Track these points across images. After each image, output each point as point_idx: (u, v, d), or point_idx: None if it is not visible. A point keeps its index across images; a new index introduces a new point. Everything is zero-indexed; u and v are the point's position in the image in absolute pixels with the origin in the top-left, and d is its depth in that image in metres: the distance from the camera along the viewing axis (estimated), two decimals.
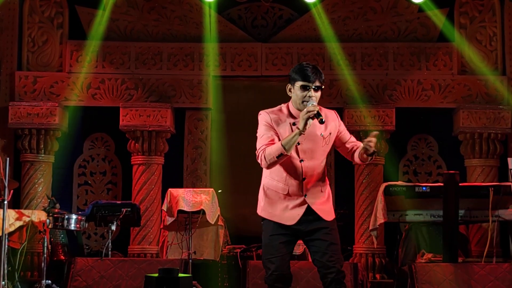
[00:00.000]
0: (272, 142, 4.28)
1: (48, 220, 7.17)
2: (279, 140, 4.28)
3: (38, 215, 7.65)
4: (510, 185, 6.62)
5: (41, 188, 9.07)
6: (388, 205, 7.15)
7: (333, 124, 4.45)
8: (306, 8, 9.35)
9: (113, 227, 7.48)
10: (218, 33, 9.39)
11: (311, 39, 9.43)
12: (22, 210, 7.84)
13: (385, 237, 8.84)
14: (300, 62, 4.41)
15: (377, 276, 8.90)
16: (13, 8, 9.40)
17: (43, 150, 9.17)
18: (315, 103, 4.25)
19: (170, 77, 9.40)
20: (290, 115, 4.37)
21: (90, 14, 9.42)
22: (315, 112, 4.14)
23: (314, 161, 4.37)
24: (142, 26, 9.55)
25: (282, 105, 4.45)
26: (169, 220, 7.53)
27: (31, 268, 8.70)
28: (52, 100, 9.22)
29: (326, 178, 4.53)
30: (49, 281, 7.18)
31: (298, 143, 4.29)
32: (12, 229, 7.42)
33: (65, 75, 9.35)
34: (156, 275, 5.45)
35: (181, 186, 9.05)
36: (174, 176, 9.33)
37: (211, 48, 9.36)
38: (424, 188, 7.27)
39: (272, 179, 4.44)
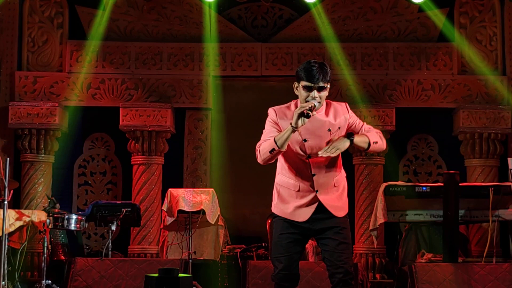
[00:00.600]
0: (269, 139, 4.27)
1: (48, 220, 7.17)
2: None
3: (38, 215, 7.65)
4: (510, 185, 6.61)
5: (41, 188, 9.07)
6: (388, 205, 7.15)
7: (343, 118, 4.39)
8: (306, 8, 9.35)
9: (113, 227, 7.48)
10: (218, 33, 9.39)
11: (311, 39, 9.43)
12: (22, 210, 7.84)
13: (385, 237, 8.84)
14: (309, 60, 4.36)
15: (377, 276, 8.90)
16: (13, 8, 9.40)
17: (43, 150, 9.17)
18: (318, 104, 4.23)
19: (170, 77, 9.41)
20: None
21: (90, 14, 9.42)
22: (307, 108, 4.11)
23: (323, 157, 4.30)
24: (142, 26, 9.55)
25: (292, 101, 4.42)
26: (169, 220, 7.54)
27: (31, 268, 8.70)
28: (52, 100, 9.22)
29: (341, 171, 4.47)
30: (49, 281, 7.18)
31: (305, 140, 4.28)
32: (12, 229, 7.42)
33: (65, 75, 9.35)
34: (156, 275, 5.45)
35: (181, 186, 9.05)
36: (174, 176, 9.33)
37: (211, 48, 9.36)
38: (424, 188, 7.26)
39: (284, 175, 4.41)
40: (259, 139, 4.43)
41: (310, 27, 9.45)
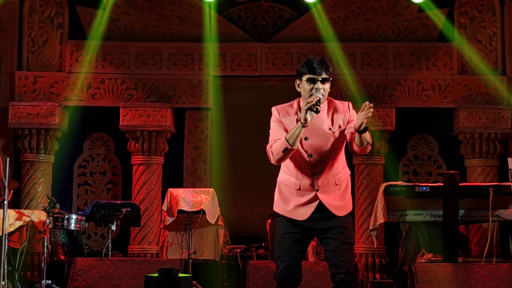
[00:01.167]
0: (280, 138, 4.26)
1: (48, 220, 7.17)
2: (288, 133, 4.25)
3: (38, 215, 7.66)
4: (510, 185, 6.61)
5: (41, 188, 9.06)
6: (388, 205, 7.15)
7: (343, 116, 4.39)
8: (306, 8, 9.35)
9: (113, 227, 7.48)
10: (218, 33, 9.39)
11: (311, 39, 9.43)
12: (22, 210, 7.84)
13: (385, 237, 8.84)
14: (307, 57, 4.38)
15: (377, 276, 8.90)
16: (13, 8, 9.40)
17: (43, 150, 9.17)
18: (322, 97, 4.22)
19: (170, 77, 9.40)
20: (300, 109, 4.31)
21: (90, 14, 9.42)
22: (314, 102, 4.11)
23: (324, 156, 4.32)
24: (142, 26, 9.55)
25: (295, 100, 4.43)
26: (169, 220, 7.54)
27: (31, 268, 8.70)
28: (52, 100, 9.22)
29: (344, 169, 4.45)
30: (49, 281, 7.18)
31: (306, 139, 4.28)
32: (12, 229, 7.42)
33: (65, 75, 9.35)
34: (156, 275, 5.45)
35: (181, 186, 9.05)
36: (174, 176, 9.33)
37: (211, 48, 9.36)
38: (424, 188, 7.26)
39: (285, 173, 4.42)
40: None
41: (310, 27, 9.45)
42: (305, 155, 4.32)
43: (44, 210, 7.61)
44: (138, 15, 9.54)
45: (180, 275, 5.57)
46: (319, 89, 4.23)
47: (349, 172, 4.51)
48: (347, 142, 4.44)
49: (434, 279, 6.57)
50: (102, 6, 9.29)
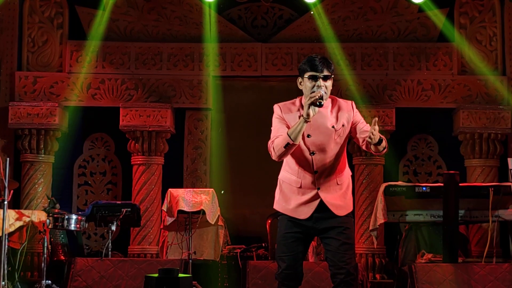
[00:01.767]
0: (281, 134, 4.24)
1: (48, 220, 7.17)
2: None
3: (38, 215, 7.66)
4: (510, 185, 6.62)
5: (41, 188, 9.07)
6: (388, 205, 7.15)
7: (346, 115, 4.36)
8: (306, 8, 9.35)
9: (113, 227, 7.48)
10: (218, 33, 9.39)
11: (311, 39, 9.43)
12: (22, 210, 7.85)
13: (385, 237, 8.84)
14: (309, 55, 4.39)
15: (377, 276, 8.90)
16: (13, 8, 9.40)
17: (43, 150, 9.17)
18: (324, 93, 4.21)
19: (170, 77, 9.41)
20: (302, 107, 4.29)
21: (90, 14, 9.42)
22: (317, 97, 4.11)
23: (326, 154, 4.30)
24: (142, 26, 9.55)
25: (297, 98, 4.42)
26: (169, 220, 7.54)
27: (31, 268, 8.70)
28: (52, 100, 9.22)
29: (345, 170, 4.44)
30: (49, 281, 7.18)
31: (309, 136, 4.27)
32: (12, 229, 7.43)
33: (65, 75, 9.35)
34: (156, 275, 5.45)
35: (181, 186, 9.05)
36: (174, 176, 9.33)
37: (211, 48, 9.36)
38: (424, 188, 7.26)
39: (286, 171, 4.40)
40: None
41: (310, 27, 9.45)
42: (307, 153, 4.30)
43: (44, 210, 7.61)
44: (138, 16, 9.54)
45: (180, 275, 5.58)
46: (320, 86, 4.21)
47: (350, 174, 4.52)
48: (359, 143, 4.44)
49: (434, 279, 6.57)
50: (102, 6, 9.29)
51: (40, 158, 9.16)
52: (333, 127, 4.30)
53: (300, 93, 4.43)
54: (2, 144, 9.20)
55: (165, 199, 7.61)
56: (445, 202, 7.01)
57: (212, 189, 7.68)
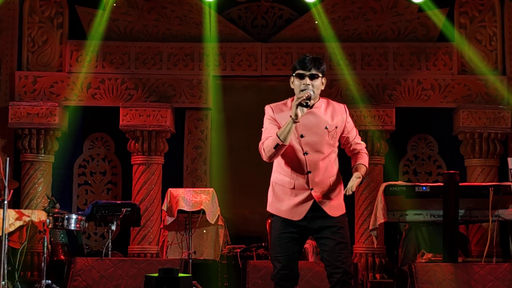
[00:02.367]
0: (272, 135, 4.25)
1: (48, 220, 7.17)
2: None
3: (38, 215, 7.66)
4: (510, 185, 6.61)
5: (41, 188, 9.07)
6: (388, 205, 7.15)
7: (340, 118, 4.40)
8: (306, 8, 9.35)
9: (113, 227, 7.48)
10: (218, 33, 9.39)
11: (311, 39, 9.43)
12: (22, 210, 7.84)
13: (385, 237, 8.85)
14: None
15: (377, 276, 8.90)
16: (13, 8, 9.40)
17: (43, 150, 9.17)
18: (312, 92, 4.23)
19: (170, 77, 9.41)
20: None
21: (90, 14, 9.42)
22: (304, 97, 4.12)
23: (319, 154, 4.32)
24: (142, 26, 9.55)
25: (289, 98, 4.43)
26: (169, 220, 7.54)
27: (31, 268, 8.70)
28: (52, 100, 9.22)
29: (338, 175, 4.46)
30: (49, 281, 7.18)
31: (302, 136, 4.29)
32: (12, 229, 7.43)
33: (65, 75, 9.35)
34: (156, 275, 5.45)
35: (181, 186, 9.05)
36: (174, 176, 9.33)
37: (211, 48, 9.36)
38: (424, 188, 7.26)
39: (279, 173, 4.41)
40: (259, 138, 4.43)
41: (310, 27, 9.45)
42: (301, 153, 4.31)
43: (44, 210, 7.61)
44: (138, 15, 9.54)
45: (180, 275, 5.57)
46: (307, 84, 4.23)
47: (341, 177, 4.51)
48: (349, 152, 4.58)
49: (434, 279, 6.57)
50: (102, 6, 9.29)
51: (40, 158, 9.16)
52: (326, 127, 4.33)
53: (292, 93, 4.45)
54: (2, 144, 9.20)
55: (165, 198, 7.61)
56: (445, 202, 7.01)
57: (212, 189, 7.68)
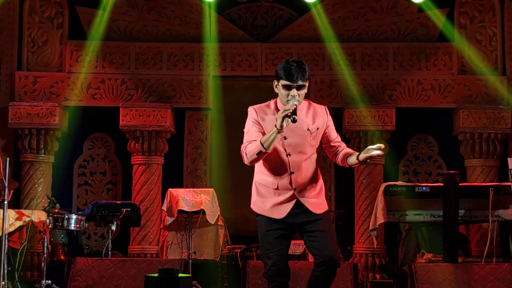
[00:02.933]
0: (255, 139, 4.33)
1: (48, 220, 7.17)
2: (264, 135, 4.33)
3: (38, 215, 7.65)
4: (510, 185, 6.61)
5: (41, 188, 9.07)
6: (388, 205, 7.15)
7: (322, 119, 4.50)
8: (306, 8, 9.35)
9: (113, 227, 7.47)
10: (218, 33, 9.39)
11: (311, 39, 9.44)
12: (22, 210, 7.84)
13: (385, 237, 8.84)
14: (287, 59, 4.44)
15: (377, 276, 8.90)
16: (13, 8, 9.40)
17: (43, 150, 9.17)
18: (297, 102, 4.29)
19: (170, 77, 9.41)
20: (277, 110, 4.39)
21: (90, 14, 9.42)
22: (291, 110, 4.17)
23: (302, 155, 4.41)
24: (142, 26, 9.55)
25: (272, 100, 4.51)
26: (169, 220, 7.54)
27: (31, 268, 8.70)
28: (52, 100, 9.22)
29: (319, 172, 4.57)
30: (49, 281, 7.18)
31: (285, 138, 4.36)
32: (12, 229, 7.42)
33: (65, 75, 9.35)
34: (156, 275, 5.45)
35: (181, 186, 9.05)
36: (174, 176, 9.33)
37: (211, 48, 9.36)
38: (424, 188, 7.26)
39: (262, 173, 4.50)
40: None
41: (310, 27, 9.46)
42: (284, 154, 4.39)
43: (44, 210, 7.60)
44: (138, 15, 9.54)
45: (180, 275, 5.57)
46: (294, 95, 4.31)
47: (321, 177, 4.60)
48: (328, 151, 4.64)
49: (434, 279, 6.57)
50: (102, 6, 9.29)
51: (40, 158, 9.16)
52: (308, 129, 4.42)
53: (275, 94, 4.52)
54: (2, 144, 9.20)
55: (165, 199, 7.61)
56: (445, 202, 7.01)
57: (212, 189, 7.68)
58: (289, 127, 4.26)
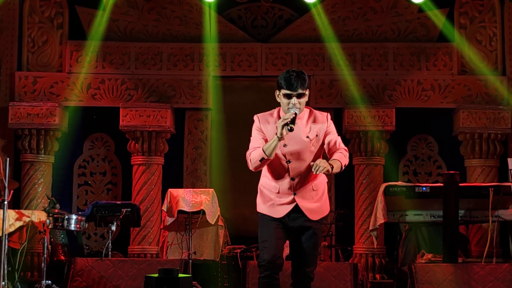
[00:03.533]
0: (258, 146, 4.58)
1: (48, 220, 7.17)
2: (267, 142, 4.56)
3: (38, 215, 7.65)
4: (510, 185, 6.62)
5: (41, 188, 9.07)
6: (388, 205, 7.15)
7: (321, 126, 4.66)
8: (306, 8, 9.35)
9: (113, 227, 7.48)
10: (218, 33, 9.39)
11: (311, 39, 9.44)
12: (22, 211, 7.84)
13: (385, 237, 8.84)
14: (288, 69, 4.61)
15: (377, 276, 8.90)
16: (13, 8, 9.40)
17: (43, 150, 9.17)
18: (298, 110, 4.49)
19: (170, 77, 9.41)
20: (279, 118, 4.57)
21: (90, 14, 9.42)
22: (289, 119, 4.38)
23: (302, 162, 4.59)
24: (142, 26, 9.56)
25: (275, 109, 4.71)
26: (169, 220, 7.54)
27: (31, 268, 8.70)
28: (52, 100, 9.22)
29: (322, 177, 4.72)
30: (49, 281, 7.18)
31: (285, 145, 4.56)
32: (12, 229, 7.42)
33: (65, 75, 9.36)
34: (156, 275, 5.45)
35: (181, 186, 9.05)
36: (174, 176, 9.33)
37: (211, 48, 9.36)
38: (424, 188, 7.27)
39: (266, 178, 4.75)
40: None
41: (310, 27, 9.45)
42: (284, 161, 4.60)
43: (44, 210, 7.60)
44: (138, 16, 9.54)
45: (180, 275, 5.57)
46: (295, 104, 4.51)
47: (326, 179, 4.81)
48: (327, 155, 4.76)
49: (434, 280, 6.57)
50: (102, 6, 9.29)
51: (40, 158, 9.16)
52: (307, 137, 4.61)
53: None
54: (2, 144, 9.20)
55: (165, 199, 7.61)
56: (445, 202, 7.01)
57: (212, 189, 7.68)
58: (289, 136, 4.47)
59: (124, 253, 8.94)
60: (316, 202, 4.66)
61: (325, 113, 4.72)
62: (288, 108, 4.50)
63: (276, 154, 4.54)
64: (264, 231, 4.69)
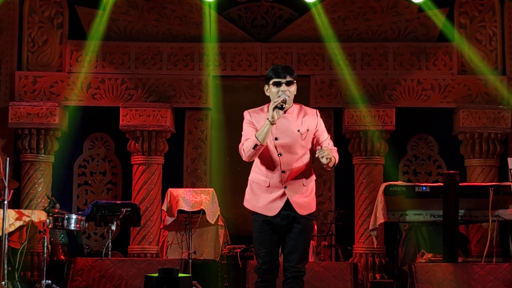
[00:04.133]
0: (250, 137, 4.63)
1: (48, 220, 7.17)
2: None
3: (38, 215, 7.65)
4: (510, 185, 6.62)
5: (41, 188, 9.07)
6: (388, 205, 7.16)
7: (312, 121, 4.73)
8: (306, 7, 9.36)
9: (113, 227, 7.47)
10: (218, 33, 9.39)
11: (311, 39, 9.44)
12: (22, 210, 7.84)
13: (385, 237, 8.84)
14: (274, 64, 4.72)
15: (377, 276, 8.90)
16: (13, 8, 9.40)
17: (43, 150, 9.18)
18: (287, 98, 4.57)
19: (170, 77, 9.41)
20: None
21: (90, 14, 9.42)
22: (280, 101, 4.48)
23: (293, 155, 4.65)
24: (142, 26, 9.56)
25: (265, 105, 4.74)
26: (169, 220, 7.54)
27: (31, 268, 8.70)
28: (52, 100, 9.22)
29: (311, 176, 4.77)
30: (49, 281, 7.18)
31: (276, 138, 4.62)
32: (12, 229, 7.42)
33: (65, 75, 9.36)
34: (156, 275, 5.45)
35: (181, 186, 9.05)
36: (174, 176, 9.33)
37: (211, 48, 9.36)
38: (424, 188, 7.27)
39: (256, 172, 4.78)
40: None
41: (310, 27, 9.46)
42: (275, 154, 4.65)
43: (44, 210, 7.60)
44: (138, 15, 9.54)
45: (180, 275, 5.57)
46: (284, 91, 4.60)
47: (314, 178, 4.83)
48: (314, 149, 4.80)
49: (434, 279, 6.57)
50: (102, 6, 9.29)
51: (40, 158, 9.16)
52: (298, 130, 4.66)
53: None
54: (2, 144, 9.20)
55: (165, 199, 7.61)
56: (445, 202, 7.01)
57: (212, 189, 7.68)
58: (280, 129, 4.57)
59: (124, 253, 8.94)
60: (306, 198, 4.70)
61: (314, 110, 4.82)
62: (278, 96, 4.57)
63: (267, 147, 4.61)
64: (259, 236, 4.71)
